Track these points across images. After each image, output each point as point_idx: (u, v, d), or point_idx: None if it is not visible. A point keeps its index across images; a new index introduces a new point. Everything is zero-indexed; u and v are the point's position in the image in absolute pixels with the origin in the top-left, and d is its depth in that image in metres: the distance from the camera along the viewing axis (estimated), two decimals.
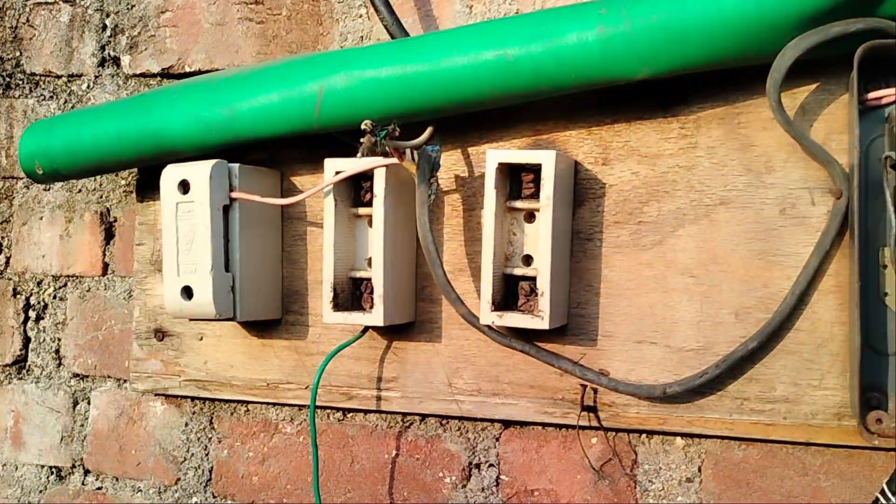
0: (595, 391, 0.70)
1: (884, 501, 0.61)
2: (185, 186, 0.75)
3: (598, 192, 0.71)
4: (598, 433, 0.72)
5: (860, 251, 0.60)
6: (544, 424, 0.73)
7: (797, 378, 0.65)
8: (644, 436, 0.71)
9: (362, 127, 0.62)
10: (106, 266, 0.95)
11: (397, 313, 0.72)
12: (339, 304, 0.72)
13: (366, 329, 0.75)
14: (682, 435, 0.69)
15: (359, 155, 0.63)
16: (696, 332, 0.68)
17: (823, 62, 0.63)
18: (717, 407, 0.67)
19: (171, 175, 0.76)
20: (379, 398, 0.78)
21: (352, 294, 0.74)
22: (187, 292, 0.75)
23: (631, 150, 0.70)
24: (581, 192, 0.71)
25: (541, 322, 0.65)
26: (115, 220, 0.95)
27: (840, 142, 0.64)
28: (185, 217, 0.75)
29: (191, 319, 0.77)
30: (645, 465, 0.71)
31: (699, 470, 0.69)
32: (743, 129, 0.67)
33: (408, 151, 0.70)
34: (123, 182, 0.94)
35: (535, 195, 0.68)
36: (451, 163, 0.75)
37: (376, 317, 0.69)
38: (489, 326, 0.68)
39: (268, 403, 0.84)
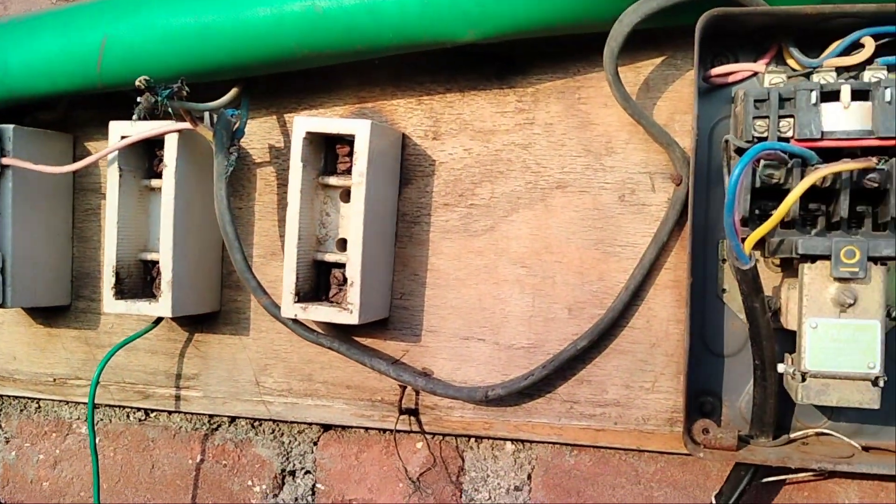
0: (417, 392, 0.63)
1: None
2: None
3: (427, 171, 0.63)
4: (424, 437, 0.65)
5: (695, 243, 0.54)
6: (366, 428, 0.66)
7: (629, 380, 0.59)
8: (473, 440, 0.64)
9: (136, 84, 0.53)
10: None
11: (193, 302, 0.63)
12: (125, 291, 0.62)
13: (158, 320, 0.66)
14: (512, 440, 0.63)
15: (134, 117, 0.53)
16: (526, 329, 0.61)
17: (671, 32, 0.57)
18: (546, 411, 0.61)
19: None
20: (178, 398, 0.68)
21: (142, 279, 0.64)
22: None
23: (464, 123, 0.62)
24: (408, 169, 0.64)
25: (349, 316, 0.57)
26: None
27: (684, 122, 0.58)
28: None
29: None
30: (472, 473, 0.64)
31: (528, 477, 0.63)
32: (583, 104, 0.60)
33: (206, 116, 0.61)
34: None
35: (351, 171, 0.60)
36: (264, 131, 0.66)
37: (164, 306, 0.60)
38: (293, 319, 0.60)
39: (58, 401, 0.73)
